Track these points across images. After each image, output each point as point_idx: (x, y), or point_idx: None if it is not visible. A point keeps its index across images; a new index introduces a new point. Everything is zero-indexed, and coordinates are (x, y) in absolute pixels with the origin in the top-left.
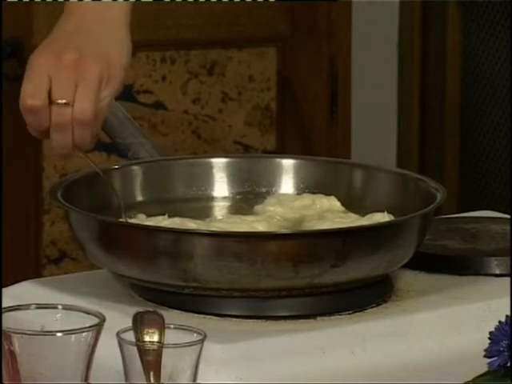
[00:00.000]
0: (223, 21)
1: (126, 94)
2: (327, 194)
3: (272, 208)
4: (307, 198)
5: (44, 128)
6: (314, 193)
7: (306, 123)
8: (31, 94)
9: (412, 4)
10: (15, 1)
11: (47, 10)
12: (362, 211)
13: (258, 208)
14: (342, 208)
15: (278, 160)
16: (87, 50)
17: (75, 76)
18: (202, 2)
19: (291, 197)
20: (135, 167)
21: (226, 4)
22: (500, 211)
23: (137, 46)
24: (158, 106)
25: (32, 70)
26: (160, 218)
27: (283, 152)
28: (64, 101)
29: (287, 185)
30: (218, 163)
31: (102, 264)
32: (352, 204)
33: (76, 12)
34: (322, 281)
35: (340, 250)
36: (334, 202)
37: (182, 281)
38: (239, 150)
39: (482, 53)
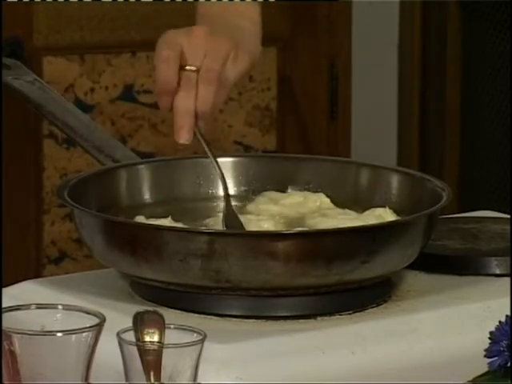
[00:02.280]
0: None
1: (126, 94)
2: (332, 194)
3: (266, 206)
4: (297, 196)
5: (172, 86)
6: (317, 192)
7: (306, 123)
8: (167, 47)
9: (412, 4)
10: (15, 1)
11: (47, 9)
12: (360, 209)
13: (250, 207)
14: (331, 205)
15: (284, 159)
16: (217, 32)
17: (205, 47)
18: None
19: (279, 195)
20: (141, 166)
21: None
22: (500, 211)
23: (137, 46)
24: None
25: (165, 39)
26: (161, 220)
27: (283, 152)
28: (194, 68)
29: (293, 184)
30: (224, 163)
31: (120, 267)
32: (357, 203)
33: (208, 10)
34: (351, 277)
35: (371, 246)
36: (323, 199)
37: (214, 282)
38: (239, 150)
39: (481, 53)
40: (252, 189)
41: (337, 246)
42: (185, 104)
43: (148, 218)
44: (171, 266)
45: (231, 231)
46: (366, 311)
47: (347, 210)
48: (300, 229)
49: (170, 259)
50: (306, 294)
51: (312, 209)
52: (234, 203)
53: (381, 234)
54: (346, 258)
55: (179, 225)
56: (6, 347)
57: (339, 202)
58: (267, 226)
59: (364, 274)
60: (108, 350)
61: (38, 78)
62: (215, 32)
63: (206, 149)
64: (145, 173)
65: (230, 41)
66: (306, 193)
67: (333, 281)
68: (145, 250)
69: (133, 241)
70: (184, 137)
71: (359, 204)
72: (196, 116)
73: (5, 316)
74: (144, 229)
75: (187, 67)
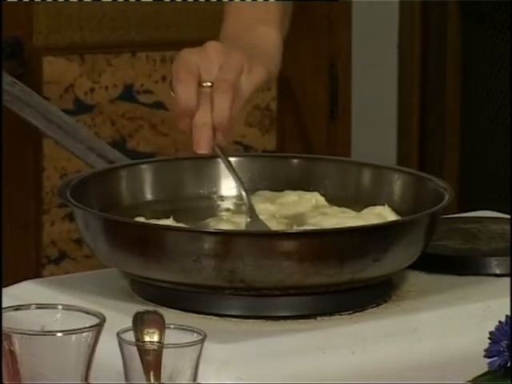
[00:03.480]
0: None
1: (126, 94)
2: (333, 193)
3: (263, 206)
4: (292, 195)
5: (193, 106)
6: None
7: (306, 123)
8: (184, 68)
9: (412, 4)
10: (15, 1)
11: (47, 9)
12: (358, 208)
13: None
14: (326, 203)
15: (285, 159)
16: (230, 46)
17: (219, 61)
18: (202, 1)
19: (274, 194)
20: (142, 166)
21: None
22: (500, 211)
23: (137, 46)
24: (158, 106)
25: (180, 60)
26: (162, 221)
27: (283, 152)
28: (210, 84)
29: (294, 184)
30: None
31: (126, 268)
32: (359, 202)
33: (230, 13)
34: (362, 276)
35: (383, 244)
36: (318, 198)
37: (228, 282)
38: (239, 149)
39: (481, 53)
40: (251, 188)
41: (351, 244)
42: (202, 118)
43: (149, 218)
44: (184, 267)
45: (246, 231)
46: (365, 311)
47: (345, 209)
48: (312, 228)
49: (183, 260)
50: (311, 293)
51: (309, 207)
52: (231, 203)
53: (393, 232)
54: (360, 257)
55: (181, 225)
56: (6, 347)
57: (340, 202)
58: (270, 225)
59: (374, 272)
60: (108, 349)
61: (17, 81)
62: (229, 47)
63: (225, 163)
64: (146, 173)
65: (242, 54)
66: (301, 192)
67: (345, 279)
68: (156, 251)
69: (143, 241)
70: (203, 147)
71: (361, 204)
72: (214, 129)
73: (5, 316)
74: (156, 229)
75: (204, 84)
